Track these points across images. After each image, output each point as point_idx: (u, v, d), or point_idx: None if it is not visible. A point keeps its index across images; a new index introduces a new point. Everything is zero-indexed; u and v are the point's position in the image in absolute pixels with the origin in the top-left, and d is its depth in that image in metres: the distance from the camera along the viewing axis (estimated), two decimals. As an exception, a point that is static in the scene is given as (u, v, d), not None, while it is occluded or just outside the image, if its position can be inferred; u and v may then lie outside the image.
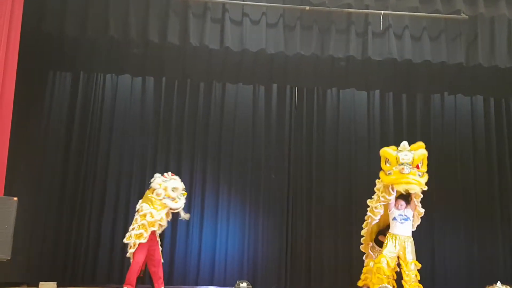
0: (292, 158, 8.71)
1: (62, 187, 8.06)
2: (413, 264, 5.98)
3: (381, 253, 6.05)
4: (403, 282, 5.95)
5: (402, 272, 5.98)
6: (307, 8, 7.28)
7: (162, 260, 6.40)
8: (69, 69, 8.45)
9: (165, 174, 6.52)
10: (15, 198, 5.38)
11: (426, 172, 6.00)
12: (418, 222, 6.28)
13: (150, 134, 8.51)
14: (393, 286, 5.96)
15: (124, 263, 7.38)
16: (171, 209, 6.32)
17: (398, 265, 6.05)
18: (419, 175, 5.90)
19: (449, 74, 8.57)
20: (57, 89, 8.37)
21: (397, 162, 5.87)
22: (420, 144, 6.10)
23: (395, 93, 9.08)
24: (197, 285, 8.05)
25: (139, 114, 8.56)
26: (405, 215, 6.13)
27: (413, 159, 5.87)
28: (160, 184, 6.34)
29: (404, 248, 6.00)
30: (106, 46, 8.17)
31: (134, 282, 6.14)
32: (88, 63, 8.41)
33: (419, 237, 8.39)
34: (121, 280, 7.17)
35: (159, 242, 6.40)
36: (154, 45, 7.74)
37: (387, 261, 5.90)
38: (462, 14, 7.24)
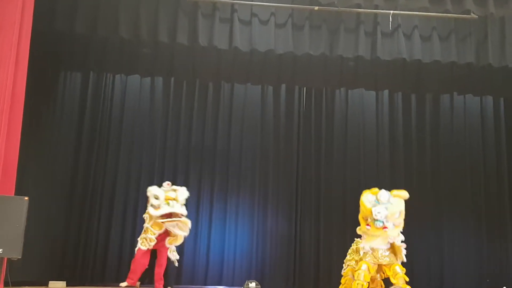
0: (300, 158, 8.69)
1: (72, 187, 8.10)
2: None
3: None
4: None
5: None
6: (316, 8, 7.27)
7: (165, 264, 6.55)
8: (79, 69, 8.48)
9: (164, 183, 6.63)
10: (26, 198, 5.41)
11: None
12: None
13: (159, 134, 8.53)
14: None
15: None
16: (157, 217, 6.34)
17: None
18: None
19: (458, 74, 8.54)
20: (68, 88, 8.40)
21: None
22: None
23: (404, 93, 9.04)
24: (205, 285, 8.06)
25: (148, 114, 8.57)
26: None
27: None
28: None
29: None
30: (116, 46, 8.23)
31: (135, 278, 6.49)
32: (98, 63, 8.46)
33: (428, 238, 8.44)
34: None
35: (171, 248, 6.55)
36: (163, 45, 7.78)
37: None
38: (472, 14, 7.21)
